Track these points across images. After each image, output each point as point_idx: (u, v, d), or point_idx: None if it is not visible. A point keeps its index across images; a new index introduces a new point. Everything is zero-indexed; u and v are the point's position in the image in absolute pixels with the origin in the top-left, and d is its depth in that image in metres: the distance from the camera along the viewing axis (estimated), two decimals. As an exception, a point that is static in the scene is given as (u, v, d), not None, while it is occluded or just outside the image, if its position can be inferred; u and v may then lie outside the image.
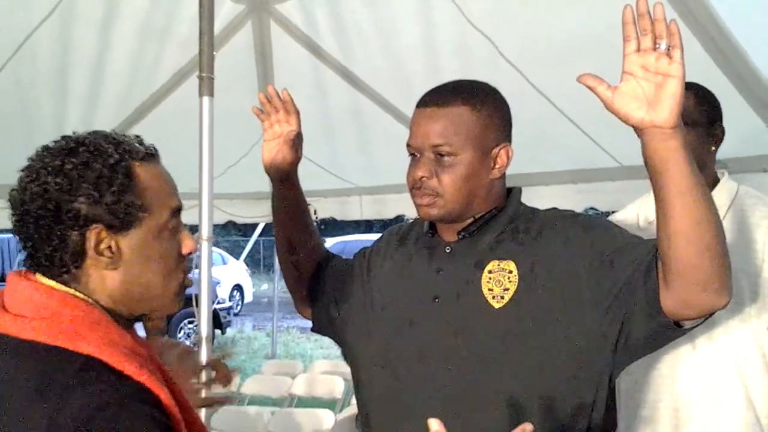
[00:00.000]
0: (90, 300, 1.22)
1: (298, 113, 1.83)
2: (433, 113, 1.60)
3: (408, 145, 1.65)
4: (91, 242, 1.20)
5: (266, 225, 9.38)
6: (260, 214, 6.70)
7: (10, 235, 9.77)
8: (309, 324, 1.97)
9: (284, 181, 1.85)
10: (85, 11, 3.75)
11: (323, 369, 6.63)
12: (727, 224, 1.95)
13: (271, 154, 1.84)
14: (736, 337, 1.95)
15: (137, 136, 1.32)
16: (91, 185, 1.19)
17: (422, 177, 1.60)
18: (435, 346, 1.60)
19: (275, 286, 11.41)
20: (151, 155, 1.30)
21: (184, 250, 1.32)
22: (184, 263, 1.33)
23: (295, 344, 12.56)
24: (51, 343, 1.14)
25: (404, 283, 1.71)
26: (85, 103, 4.47)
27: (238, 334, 13.58)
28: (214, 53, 2.88)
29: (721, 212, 1.96)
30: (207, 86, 2.83)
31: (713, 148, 2.05)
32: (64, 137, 1.26)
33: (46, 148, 1.24)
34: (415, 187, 1.63)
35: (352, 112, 4.76)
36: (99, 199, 1.19)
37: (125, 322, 1.28)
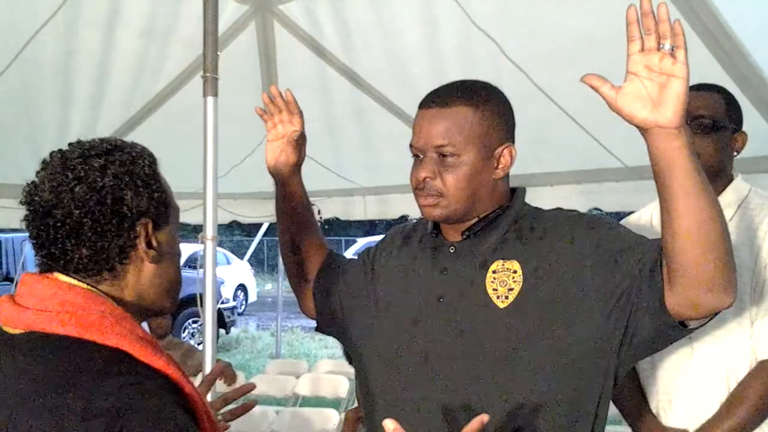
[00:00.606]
0: (109, 298, 1.24)
1: (301, 114, 1.84)
2: (436, 114, 1.60)
3: (411, 146, 1.66)
4: (141, 236, 1.25)
5: (270, 225, 9.39)
6: (264, 214, 6.71)
7: (15, 235, 9.79)
8: (313, 323, 1.97)
9: (288, 181, 1.86)
10: (88, 12, 3.76)
11: (328, 368, 6.64)
12: (734, 224, 1.95)
13: (274, 155, 1.84)
14: (734, 335, 1.95)
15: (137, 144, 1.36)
16: (141, 181, 1.25)
17: (426, 178, 1.60)
18: (439, 346, 1.60)
19: (279, 286, 11.43)
20: (155, 158, 1.34)
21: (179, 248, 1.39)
22: None
23: (299, 344, 12.56)
24: (79, 336, 1.15)
25: (408, 282, 1.71)
26: (89, 105, 4.48)
27: (243, 334, 13.59)
28: (218, 53, 2.89)
29: (729, 212, 1.96)
30: (211, 86, 2.83)
31: (735, 154, 2.05)
32: (80, 141, 1.29)
33: (67, 153, 1.25)
34: (418, 188, 1.63)
35: (355, 112, 4.77)
36: (149, 194, 1.26)
37: (138, 318, 1.31)
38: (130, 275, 1.27)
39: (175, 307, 1.39)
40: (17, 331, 1.20)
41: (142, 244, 1.25)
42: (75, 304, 1.19)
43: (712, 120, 1.96)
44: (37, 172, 1.26)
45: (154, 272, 1.29)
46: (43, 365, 1.14)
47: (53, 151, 1.27)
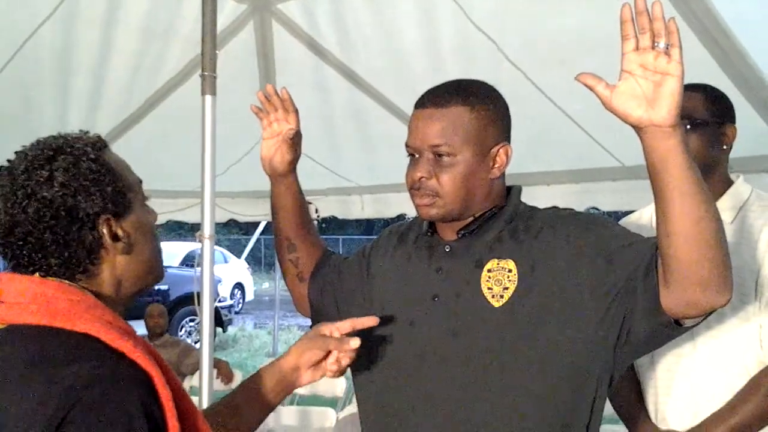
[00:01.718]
0: (84, 289, 1.26)
1: (296, 112, 1.84)
2: (432, 114, 1.60)
3: (407, 146, 1.66)
4: (105, 233, 1.26)
5: (268, 223, 9.38)
6: (262, 212, 6.71)
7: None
8: (310, 322, 1.97)
9: (283, 179, 1.86)
10: (87, 10, 3.76)
11: (324, 367, 6.62)
12: (735, 227, 1.96)
13: (269, 153, 1.85)
14: (740, 335, 1.95)
15: (82, 131, 1.36)
16: (90, 181, 1.25)
17: (421, 177, 1.61)
18: (434, 345, 1.60)
19: (276, 285, 11.41)
20: (104, 142, 1.35)
21: (154, 218, 1.40)
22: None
23: (296, 342, 12.54)
24: (48, 324, 1.18)
25: (404, 282, 1.71)
26: (87, 103, 4.48)
27: (240, 332, 13.58)
28: (217, 52, 2.89)
29: (729, 216, 1.96)
30: (209, 85, 2.84)
31: (724, 148, 2.04)
32: (24, 151, 1.28)
33: (12, 170, 1.25)
34: (414, 188, 1.63)
35: (353, 111, 4.77)
36: (99, 192, 1.25)
37: (120, 308, 1.32)
38: (104, 271, 1.29)
39: (161, 277, 1.40)
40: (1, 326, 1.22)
41: (107, 240, 1.27)
42: (45, 294, 1.21)
43: (689, 119, 1.95)
44: None
45: (128, 260, 1.31)
46: (12, 353, 1.17)
47: (1, 167, 1.28)
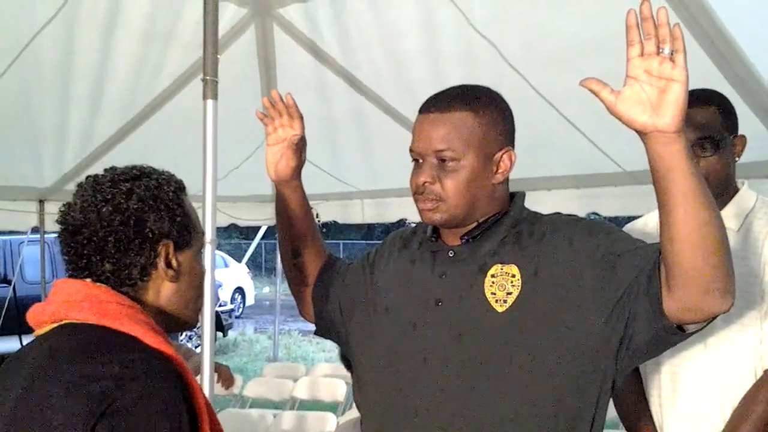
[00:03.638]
0: (132, 303, 1.35)
1: (301, 118, 1.84)
2: (436, 119, 1.61)
3: (411, 151, 1.66)
4: (162, 256, 1.37)
5: (268, 228, 9.40)
6: (262, 217, 6.72)
7: (12, 237, 9.77)
8: (311, 327, 1.97)
9: (288, 184, 1.86)
10: (88, 14, 3.76)
11: (325, 372, 6.62)
12: (741, 234, 1.95)
13: (274, 159, 1.84)
14: (745, 342, 1.94)
15: (166, 172, 1.48)
16: (164, 205, 1.37)
17: (425, 182, 1.61)
18: (438, 350, 1.60)
19: (277, 289, 11.40)
20: (184, 186, 1.47)
21: (203, 270, 1.51)
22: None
23: (296, 347, 12.56)
24: (96, 322, 1.28)
25: (407, 286, 1.71)
26: (88, 106, 4.49)
27: (240, 337, 13.57)
28: (218, 56, 2.89)
29: (736, 223, 1.96)
30: (211, 89, 2.83)
31: (737, 159, 2.03)
32: (114, 167, 1.42)
33: (99, 178, 1.38)
34: (418, 193, 1.63)
35: (354, 115, 4.78)
36: (171, 218, 1.38)
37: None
38: (150, 292, 1.39)
39: (195, 323, 1.51)
40: (45, 330, 1.32)
41: (161, 264, 1.37)
42: (97, 296, 1.31)
43: (713, 140, 1.91)
44: (73, 195, 1.39)
45: (173, 291, 1.41)
46: (59, 342, 1.28)
47: (88, 176, 1.40)
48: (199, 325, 2.86)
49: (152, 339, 1.27)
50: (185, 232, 1.41)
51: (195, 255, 1.45)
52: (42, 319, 1.33)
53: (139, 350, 1.24)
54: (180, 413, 1.20)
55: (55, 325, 1.31)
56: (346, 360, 2.63)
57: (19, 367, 1.29)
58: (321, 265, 1.92)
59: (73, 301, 1.31)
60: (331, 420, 4.79)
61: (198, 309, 1.49)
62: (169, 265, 1.38)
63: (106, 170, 1.41)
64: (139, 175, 1.40)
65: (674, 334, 1.48)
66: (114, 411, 1.14)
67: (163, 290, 1.40)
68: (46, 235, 6.22)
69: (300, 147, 1.84)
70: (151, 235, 1.35)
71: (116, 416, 1.14)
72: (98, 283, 1.35)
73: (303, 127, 1.83)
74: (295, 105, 1.83)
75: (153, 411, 1.17)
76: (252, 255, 17.47)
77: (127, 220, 1.33)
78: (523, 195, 1.72)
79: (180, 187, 1.44)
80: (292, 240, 1.90)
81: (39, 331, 1.33)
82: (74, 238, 1.34)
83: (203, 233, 1.49)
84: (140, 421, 1.16)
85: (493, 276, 1.59)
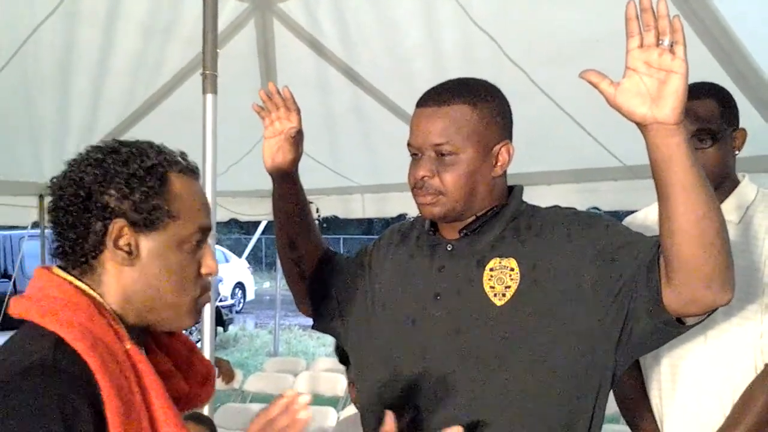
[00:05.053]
0: (89, 291, 1.27)
1: (298, 110, 1.83)
2: (434, 112, 1.60)
3: (409, 145, 1.65)
4: (111, 235, 1.25)
5: (268, 223, 9.40)
6: (263, 212, 6.71)
7: (12, 232, 9.77)
8: (311, 322, 1.97)
9: (285, 178, 1.85)
10: (88, 9, 3.76)
11: (326, 366, 6.62)
12: (742, 227, 1.95)
13: (271, 151, 1.84)
14: (745, 335, 1.94)
15: (182, 153, 1.38)
16: (123, 181, 1.26)
17: (424, 176, 1.60)
18: (436, 344, 1.60)
19: (278, 284, 11.42)
20: (190, 170, 1.36)
21: (204, 270, 1.36)
22: (201, 281, 1.36)
23: (297, 342, 12.57)
24: (28, 318, 1.23)
25: (406, 280, 1.71)
26: (88, 101, 4.48)
27: (240, 332, 13.59)
28: (218, 51, 2.89)
29: (737, 216, 1.96)
30: (210, 84, 2.83)
31: (736, 153, 2.03)
32: (115, 140, 1.33)
33: (94, 145, 1.32)
34: (416, 187, 1.63)
35: (354, 110, 4.77)
36: (128, 195, 1.26)
37: (134, 331, 1.31)
38: (108, 275, 1.28)
39: (181, 324, 1.37)
40: None
41: (109, 242, 1.26)
42: (43, 290, 1.26)
43: (710, 132, 1.92)
44: None
45: (133, 278, 1.29)
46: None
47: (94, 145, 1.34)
48: (199, 320, 2.86)
49: (70, 336, 1.17)
50: (150, 213, 1.26)
51: (170, 242, 1.29)
52: (13, 314, 1.27)
53: (35, 350, 1.16)
54: (56, 416, 1.10)
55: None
56: (342, 354, 2.63)
57: None
58: (318, 259, 1.91)
59: (29, 299, 1.25)
60: (331, 414, 4.79)
61: (185, 306, 1.34)
62: (118, 246, 1.26)
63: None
64: (118, 147, 1.30)
65: (674, 327, 1.48)
66: None
67: (122, 277, 1.28)
68: (46, 230, 6.22)
69: (297, 140, 1.83)
70: (96, 211, 1.24)
71: None
72: (60, 272, 1.28)
73: (300, 120, 1.83)
74: (292, 98, 1.82)
75: (21, 414, 1.10)
76: (252, 250, 17.48)
77: (77, 191, 1.25)
78: (521, 188, 1.72)
79: (167, 165, 1.31)
80: (290, 234, 1.90)
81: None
82: (49, 204, 1.30)
83: (200, 223, 1.34)
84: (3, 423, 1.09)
85: (491, 270, 1.59)
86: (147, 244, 1.28)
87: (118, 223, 1.25)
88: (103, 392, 1.15)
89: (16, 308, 1.25)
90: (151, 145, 1.33)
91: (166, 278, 1.30)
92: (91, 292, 1.27)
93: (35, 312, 1.22)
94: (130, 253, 1.27)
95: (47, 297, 1.24)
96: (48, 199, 1.32)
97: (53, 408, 1.10)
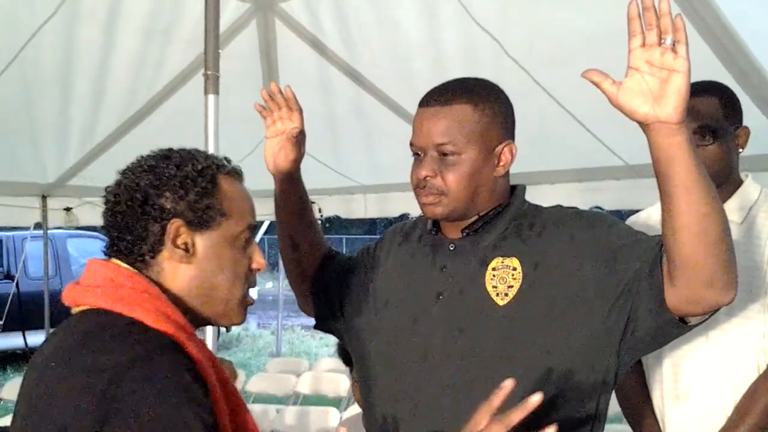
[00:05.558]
0: (152, 281, 1.33)
1: (300, 110, 1.83)
2: (436, 112, 1.60)
3: (411, 145, 1.65)
4: (170, 234, 1.33)
5: (271, 223, 9.38)
6: (265, 212, 6.64)
7: (15, 233, 9.78)
8: (314, 322, 1.97)
9: (287, 178, 1.85)
10: (89, 10, 3.76)
11: (328, 367, 6.63)
12: (745, 227, 1.95)
13: (273, 151, 1.84)
14: (748, 335, 1.94)
15: (226, 157, 1.47)
16: (177, 183, 1.34)
17: (426, 176, 1.60)
18: (438, 343, 1.60)
19: (280, 284, 11.43)
20: (236, 173, 1.46)
21: (254, 266, 1.45)
22: (250, 276, 1.45)
23: (300, 342, 12.57)
24: (106, 307, 1.28)
25: (408, 280, 1.71)
26: (89, 102, 4.48)
27: (243, 332, 13.58)
28: (220, 51, 2.89)
29: (739, 216, 1.95)
30: (212, 84, 2.83)
31: (740, 150, 2.03)
32: (165, 148, 1.42)
33: (145, 155, 1.40)
34: (419, 186, 1.63)
35: (356, 110, 4.76)
36: (183, 196, 1.34)
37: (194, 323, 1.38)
38: (165, 274, 1.35)
39: (231, 320, 1.45)
40: (78, 309, 1.33)
41: (168, 241, 1.33)
42: (114, 280, 1.31)
43: (712, 129, 1.92)
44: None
45: (190, 275, 1.36)
46: (69, 332, 1.30)
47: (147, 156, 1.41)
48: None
49: (154, 320, 1.25)
50: (204, 212, 1.35)
51: (223, 239, 1.37)
52: (68, 301, 1.35)
53: (137, 333, 1.23)
54: (187, 384, 1.19)
55: (78, 309, 1.33)
56: (345, 354, 2.62)
57: (41, 352, 1.33)
58: (320, 259, 1.91)
59: (90, 286, 1.32)
60: (334, 415, 4.80)
61: (236, 300, 1.42)
62: (176, 245, 1.34)
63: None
64: (169, 153, 1.39)
65: (676, 327, 1.48)
66: (119, 407, 1.14)
67: (179, 274, 1.35)
68: (48, 231, 6.23)
69: (299, 140, 1.84)
70: (158, 212, 1.32)
71: (123, 409, 1.14)
72: (122, 264, 1.34)
73: (302, 120, 1.83)
74: (294, 97, 1.82)
75: (157, 390, 1.16)
76: (255, 250, 17.45)
77: (134, 196, 1.32)
78: (523, 188, 1.72)
79: (216, 167, 1.39)
80: (292, 234, 1.90)
81: (73, 310, 1.35)
82: (104, 209, 1.36)
83: (249, 221, 1.42)
84: (149, 403, 1.15)
85: (494, 269, 1.59)
86: (202, 242, 1.36)
87: (175, 223, 1.32)
88: (201, 367, 1.25)
89: (81, 297, 1.32)
90: (198, 150, 1.43)
91: (220, 273, 1.38)
92: (149, 281, 1.33)
93: (115, 301, 1.28)
94: (187, 251, 1.34)
95: (122, 286, 1.30)
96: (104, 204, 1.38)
97: (188, 377, 1.20)
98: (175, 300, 1.34)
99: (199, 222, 1.35)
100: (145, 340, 1.22)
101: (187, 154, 1.39)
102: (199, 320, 1.40)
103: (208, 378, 1.25)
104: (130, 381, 1.16)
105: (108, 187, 1.38)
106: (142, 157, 1.39)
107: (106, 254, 1.38)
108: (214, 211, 1.36)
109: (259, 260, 1.44)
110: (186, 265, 1.35)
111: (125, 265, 1.34)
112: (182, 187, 1.33)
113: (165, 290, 1.34)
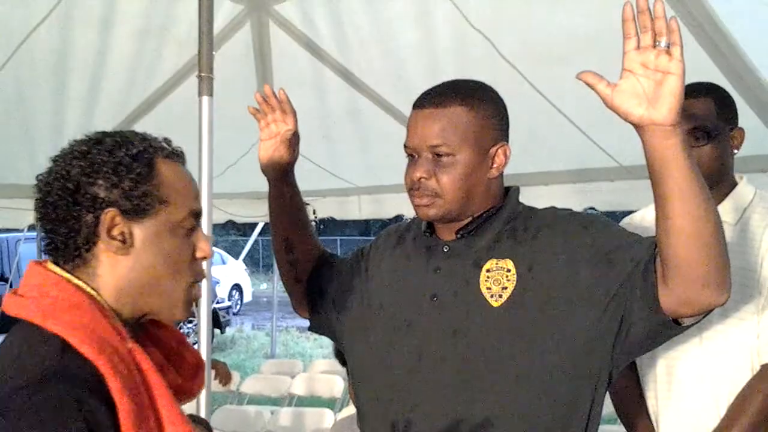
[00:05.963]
0: (87, 288, 1.25)
1: (294, 113, 1.83)
2: (430, 114, 1.60)
3: (405, 146, 1.65)
4: (104, 225, 1.23)
5: (265, 225, 9.40)
6: (259, 213, 6.70)
7: (9, 235, 9.76)
8: (308, 323, 1.97)
9: (281, 180, 1.85)
10: (83, 11, 3.75)
11: (323, 368, 6.63)
12: (738, 229, 1.95)
13: (267, 153, 1.84)
14: (741, 336, 1.94)
15: (165, 139, 1.36)
16: (110, 170, 1.24)
17: (420, 178, 1.60)
18: (433, 345, 1.60)
19: (275, 286, 11.42)
20: (176, 155, 1.35)
21: (199, 254, 1.34)
22: (195, 266, 1.35)
23: (294, 343, 12.57)
24: (28, 318, 1.20)
25: (402, 282, 1.71)
26: (83, 103, 4.47)
27: (238, 334, 13.58)
28: (214, 53, 2.89)
29: (734, 217, 1.96)
30: (206, 86, 2.83)
31: (735, 152, 2.03)
32: (99, 131, 1.31)
33: (78, 139, 1.30)
34: (413, 188, 1.62)
35: (350, 112, 4.77)
36: (117, 183, 1.24)
37: (128, 325, 1.28)
38: (103, 267, 1.26)
39: (173, 315, 1.33)
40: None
41: (103, 232, 1.23)
42: (40, 288, 1.23)
43: (706, 130, 1.92)
44: None
45: (129, 267, 1.26)
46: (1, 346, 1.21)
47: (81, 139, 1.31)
48: (195, 322, 2.86)
49: (75, 338, 1.16)
50: (141, 199, 1.25)
51: (163, 228, 1.28)
52: (10, 312, 1.24)
53: (45, 355, 1.14)
54: (75, 419, 1.09)
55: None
56: (341, 356, 2.63)
57: None
58: (315, 260, 1.91)
59: (24, 296, 1.23)
60: (328, 416, 4.80)
61: (181, 293, 1.31)
62: (112, 236, 1.24)
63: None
64: (102, 137, 1.28)
65: (670, 328, 1.49)
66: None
67: (118, 266, 1.25)
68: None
69: (293, 142, 1.84)
70: (91, 202, 1.22)
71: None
72: (55, 268, 1.26)
73: (296, 122, 1.83)
74: (287, 100, 1.82)
75: (38, 419, 1.08)
76: (249, 252, 17.48)
77: (65, 185, 1.23)
78: (517, 189, 1.72)
79: (153, 151, 1.30)
80: (286, 236, 1.90)
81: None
82: (36, 201, 1.26)
83: (191, 207, 1.31)
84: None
85: (488, 271, 1.59)
86: (140, 231, 1.26)
87: (109, 213, 1.23)
88: (114, 394, 1.14)
89: (12, 307, 1.23)
90: (135, 132, 1.32)
91: (161, 264, 1.28)
92: (89, 290, 1.25)
93: (36, 313, 1.20)
94: (124, 241, 1.25)
95: (46, 296, 1.21)
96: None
97: (74, 412, 1.09)
98: (115, 299, 1.26)
99: (136, 210, 1.25)
100: (36, 364, 1.13)
101: (122, 138, 1.28)
102: (141, 315, 1.31)
103: (117, 400, 1.14)
104: (16, 405, 1.09)
105: (39, 175, 1.28)
106: (74, 141, 1.29)
107: (44, 252, 1.30)
108: (152, 198, 1.26)
109: (203, 248, 1.34)
110: (124, 256, 1.25)
111: (55, 269, 1.26)
112: (116, 174, 1.23)
113: (103, 286, 1.25)
